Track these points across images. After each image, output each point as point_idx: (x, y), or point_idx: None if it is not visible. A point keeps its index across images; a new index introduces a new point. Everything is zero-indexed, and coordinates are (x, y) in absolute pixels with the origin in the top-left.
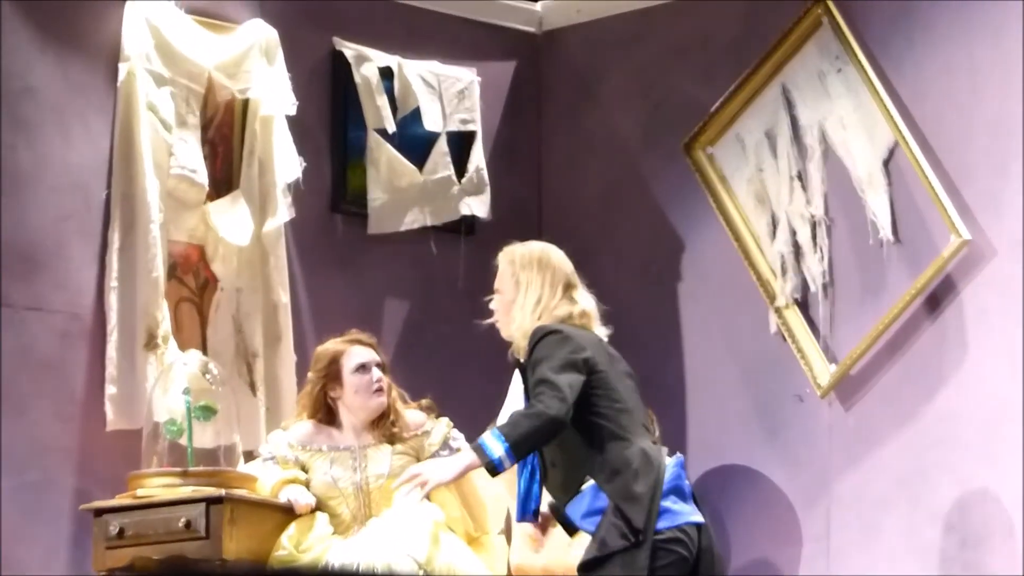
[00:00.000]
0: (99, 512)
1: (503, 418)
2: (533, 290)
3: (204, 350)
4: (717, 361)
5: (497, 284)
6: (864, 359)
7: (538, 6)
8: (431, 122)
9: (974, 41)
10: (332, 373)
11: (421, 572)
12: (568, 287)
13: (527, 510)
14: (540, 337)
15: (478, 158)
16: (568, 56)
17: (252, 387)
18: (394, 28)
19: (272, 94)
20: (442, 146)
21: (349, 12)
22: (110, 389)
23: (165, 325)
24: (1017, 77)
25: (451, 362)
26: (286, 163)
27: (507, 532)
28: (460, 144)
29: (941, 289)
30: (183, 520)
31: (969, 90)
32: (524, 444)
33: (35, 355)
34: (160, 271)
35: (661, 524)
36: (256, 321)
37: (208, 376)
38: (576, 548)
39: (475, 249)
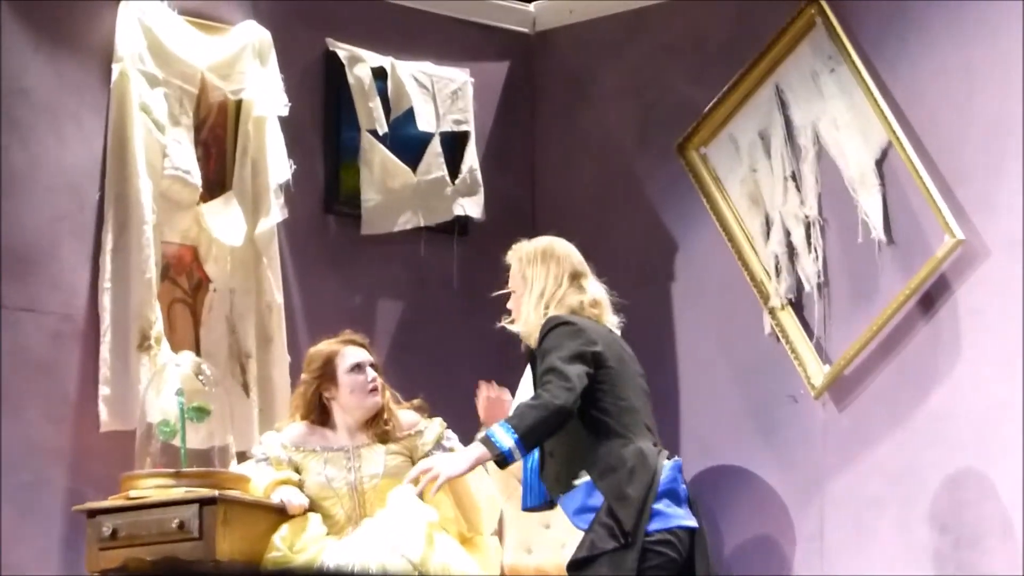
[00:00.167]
0: (92, 513)
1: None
2: (539, 282)
3: (197, 351)
4: (711, 361)
5: (510, 283)
6: (858, 359)
7: (531, 7)
8: (424, 123)
9: (969, 41)
10: (327, 374)
11: (416, 572)
12: (575, 276)
13: (529, 501)
14: (552, 327)
15: (471, 159)
16: (561, 57)
17: (245, 388)
18: (387, 29)
19: (265, 95)
20: (435, 147)
21: (342, 13)
22: (104, 390)
23: (158, 326)
24: (1013, 77)
25: (444, 362)
26: (278, 164)
27: (500, 533)
28: (453, 145)
29: (935, 290)
30: (176, 521)
31: (964, 90)
32: (533, 435)
33: (28, 356)
34: (153, 272)
35: (652, 526)
36: (249, 322)
37: (201, 377)
38: (568, 549)
39: (468, 250)
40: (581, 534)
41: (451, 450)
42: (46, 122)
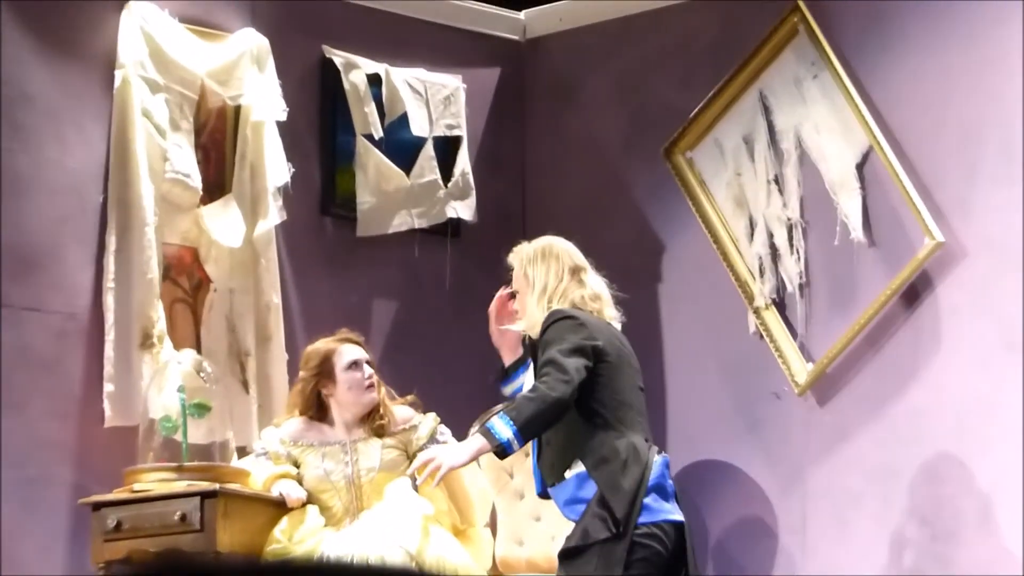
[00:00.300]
0: (97, 506)
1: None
2: (540, 279)
3: (198, 349)
4: (697, 360)
5: (513, 284)
6: (840, 358)
7: (522, 14)
8: (418, 127)
9: (947, 49)
10: (325, 371)
11: (413, 563)
12: (575, 271)
13: (539, 488)
14: (554, 320)
15: (463, 162)
16: (551, 63)
17: (245, 385)
18: (382, 36)
19: (263, 100)
20: (428, 151)
21: (338, 21)
22: (108, 387)
23: (160, 325)
24: (988, 83)
25: (437, 360)
26: (276, 167)
27: (492, 525)
28: (446, 149)
29: (914, 290)
30: (178, 514)
31: (941, 96)
32: (530, 426)
33: (33, 354)
34: (155, 272)
35: (641, 519)
36: (248, 321)
37: (202, 374)
38: (558, 541)
39: (461, 251)
40: (571, 526)
41: (444, 443)
42: (50, 127)
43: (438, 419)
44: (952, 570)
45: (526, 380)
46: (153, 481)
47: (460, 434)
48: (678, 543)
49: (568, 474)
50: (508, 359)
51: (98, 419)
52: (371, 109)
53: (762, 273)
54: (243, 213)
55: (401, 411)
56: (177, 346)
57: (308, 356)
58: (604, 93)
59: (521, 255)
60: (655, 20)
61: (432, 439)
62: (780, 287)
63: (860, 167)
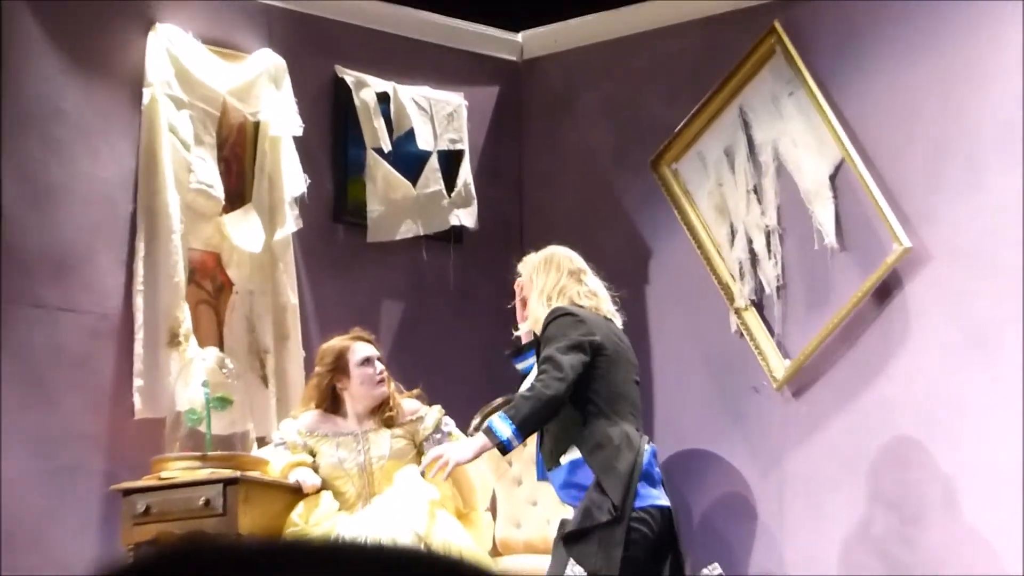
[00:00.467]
0: (127, 492)
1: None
2: (541, 281)
3: (221, 347)
4: (682, 357)
5: (524, 290)
6: (814, 355)
7: (519, 37)
8: (423, 142)
9: (914, 68)
10: (339, 367)
11: (421, 544)
12: (574, 273)
13: (539, 474)
14: (555, 317)
15: (465, 174)
16: (546, 82)
17: (264, 380)
18: (390, 57)
19: (280, 116)
20: (433, 163)
21: (349, 42)
22: (137, 382)
23: (186, 325)
24: (952, 99)
25: (441, 356)
26: (293, 179)
27: (492, 509)
28: (449, 161)
29: (884, 292)
30: (202, 499)
31: (909, 111)
32: (527, 424)
33: (68, 352)
34: (181, 276)
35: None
36: (267, 321)
37: (224, 370)
38: (553, 524)
39: (463, 256)
40: (565, 510)
41: (449, 433)
42: (83, 141)
43: (442, 411)
44: (918, 550)
45: (532, 375)
46: (179, 469)
47: (462, 424)
48: (664, 527)
49: (563, 460)
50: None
51: (128, 412)
52: (380, 124)
53: (742, 276)
54: (262, 221)
55: (408, 403)
56: (201, 344)
57: (323, 353)
58: (596, 109)
59: (527, 264)
60: (643, 41)
61: (437, 429)
62: (759, 289)
63: (833, 178)
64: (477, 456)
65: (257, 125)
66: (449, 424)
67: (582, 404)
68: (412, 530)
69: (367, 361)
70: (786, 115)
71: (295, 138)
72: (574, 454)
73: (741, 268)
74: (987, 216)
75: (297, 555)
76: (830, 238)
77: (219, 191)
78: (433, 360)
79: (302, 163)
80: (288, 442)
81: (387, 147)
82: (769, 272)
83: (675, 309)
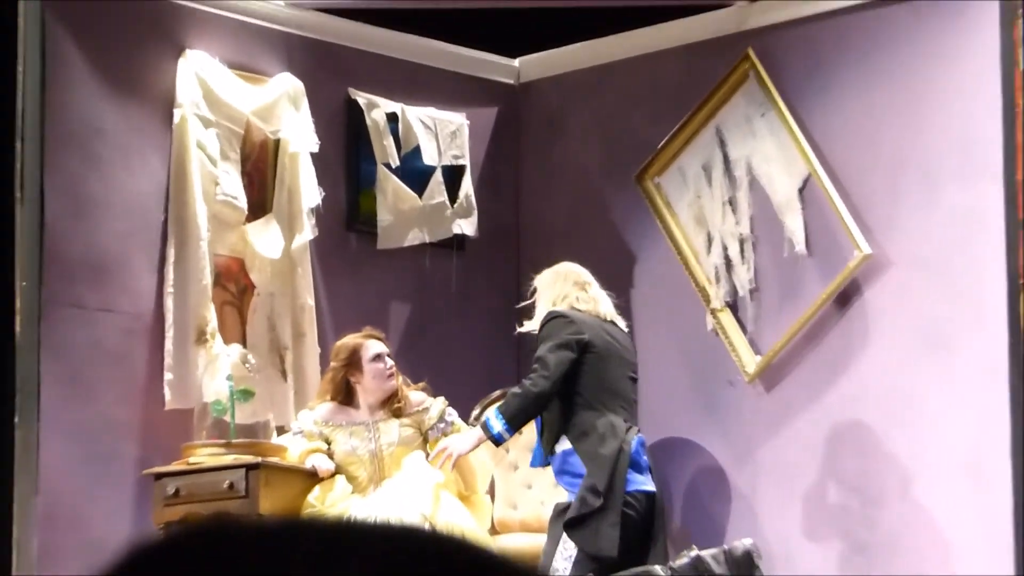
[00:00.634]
0: (158, 476)
1: None
2: (547, 290)
3: (244, 344)
4: (664, 353)
5: (538, 300)
6: (783, 352)
7: (516, 62)
8: (428, 157)
9: (874, 92)
10: (353, 362)
11: (427, 524)
12: (578, 284)
13: (532, 463)
14: (549, 319)
15: (467, 187)
16: (541, 103)
17: (283, 374)
18: (398, 80)
19: (298, 134)
20: (438, 177)
21: (362, 67)
22: (168, 376)
23: (212, 323)
24: (907, 120)
25: (444, 353)
26: (309, 191)
27: (491, 492)
28: (452, 175)
29: (847, 294)
30: (227, 483)
31: (869, 131)
32: (517, 419)
33: (105, 348)
34: (208, 279)
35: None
36: (286, 320)
37: (247, 365)
38: (547, 506)
39: (464, 261)
40: (558, 493)
41: (452, 423)
42: (119, 157)
43: (446, 402)
44: (877, 529)
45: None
46: (205, 455)
47: (463, 414)
48: (649, 509)
49: (558, 449)
50: None
51: (159, 403)
52: (389, 142)
53: (718, 280)
54: (282, 229)
55: (415, 395)
56: (226, 341)
57: (338, 349)
58: (585, 128)
59: (540, 277)
60: (629, 67)
61: (441, 419)
62: (733, 292)
63: (801, 191)
64: (475, 447)
65: (278, 142)
66: (452, 414)
67: (572, 397)
68: (419, 511)
69: (378, 357)
70: (758, 134)
71: (312, 154)
72: (565, 444)
73: (717, 273)
74: (941, 226)
75: (313, 532)
76: (799, 246)
77: (243, 202)
78: (437, 356)
79: (318, 177)
80: (305, 431)
81: (395, 162)
82: (743, 276)
83: (657, 310)
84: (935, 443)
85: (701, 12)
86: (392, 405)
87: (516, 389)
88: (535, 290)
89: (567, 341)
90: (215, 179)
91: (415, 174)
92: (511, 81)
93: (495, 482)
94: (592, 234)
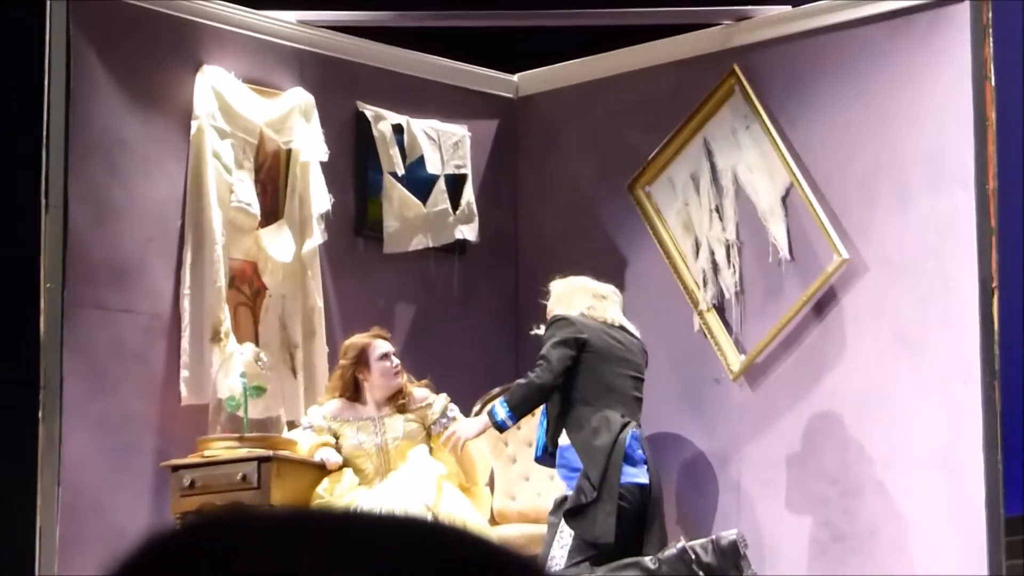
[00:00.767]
0: (175, 468)
1: None
2: (563, 300)
3: (256, 343)
4: (653, 352)
5: (549, 306)
6: (766, 351)
7: (515, 77)
8: (432, 167)
9: (849, 105)
10: (361, 360)
11: (429, 514)
12: (587, 292)
13: (538, 453)
14: (553, 321)
15: (469, 195)
16: (539, 116)
17: (294, 372)
18: (404, 94)
19: (309, 145)
20: (441, 185)
21: (369, 82)
22: (184, 373)
23: (226, 324)
24: (884, 132)
25: (446, 353)
26: (319, 198)
27: (491, 484)
28: (454, 184)
29: (826, 297)
30: (240, 475)
31: (847, 142)
32: (520, 407)
33: (125, 347)
34: (222, 282)
35: None
36: (297, 321)
37: (259, 363)
38: (543, 497)
39: (466, 266)
40: (554, 485)
41: (454, 418)
42: (139, 166)
43: (448, 398)
44: (855, 519)
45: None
46: (220, 448)
47: (465, 410)
48: (642, 501)
49: (560, 443)
50: None
51: (176, 399)
52: (395, 152)
53: (705, 283)
54: (293, 235)
55: (419, 392)
56: (240, 340)
57: (347, 348)
58: (581, 139)
59: (553, 286)
60: (622, 82)
61: (443, 414)
62: (720, 294)
63: (784, 199)
64: (481, 432)
65: (289, 152)
66: (454, 410)
67: (570, 393)
68: (422, 502)
69: (385, 356)
70: (743, 145)
71: (322, 163)
72: (564, 440)
73: (704, 276)
74: (914, 232)
75: (322, 523)
76: (782, 251)
77: (256, 209)
78: (440, 354)
79: (328, 185)
80: (315, 426)
81: (401, 171)
82: (728, 280)
83: (647, 311)
84: (910, 438)
85: (690, 31)
86: (397, 401)
87: (521, 380)
88: (547, 294)
89: (566, 339)
90: (230, 187)
91: (419, 183)
92: (511, 95)
93: (494, 474)
94: (586, 240)
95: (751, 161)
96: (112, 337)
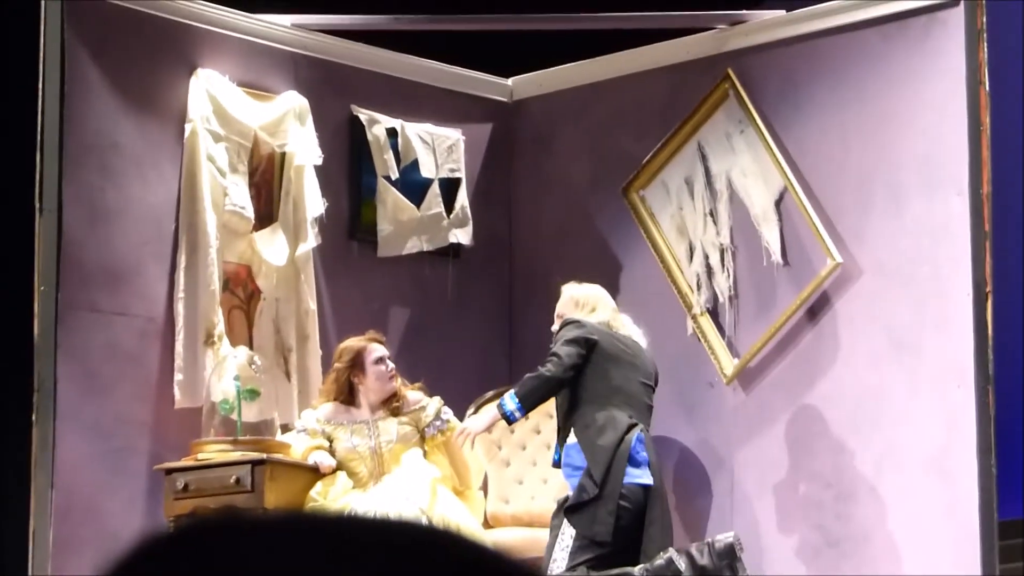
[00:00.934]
0: (169, 471)
1: None
2: (583, 303)
3: (250, 346)
4: (648, 351)
5: (559, 309)
6: (760, 355)
7: (509, 81)
8: (426, 171)
9: (843, 110)
10: (357, 364)
11: (424, 517)
12: (607, 305)
13: (556, 456)
14: (565, 324)
15: (462, 198)
16: (532, 119)
17: (287, 375)
18: (398, 98)
19: (304, 148)
20: (435, 189)
21: (364, 85)
22: (178, 376)
23: (220, 327)
24: (878, 138)
25: (440, 355)
26: (314, 202)
27: (484, 488)
28: (449, 188)
29: (820, 301)
30: (234, 478)
31: (840, 147)
32: (529, 398)
33: (120, 350)
34: (216, 285)
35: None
36: (291, 324)
37: (253, 366)
38: (537, 501)
39: (460, 269)
40: (547, 489)
41: (447, 421)
42: (134, 169)
43: (441, 401)
44: (849, 522)
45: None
46: (214, 451)
47: (458, 412)
48: (644, 502)
49: (568, 441)
50: None
51: (170, 402)
52: (389, 156)
53: (699, 287)
54: (287, 238)
55: (412, 395)
56: (234, 344)
57: (343, 351)
58: (575, 143)
59: (573, 291)
60: (615, 86)
61: (437, 417)
62: (713, 298)
63: (777, 203)
64: (491, 425)
65: (284, 156)
66: (447, 413)
67: (578, 392)
68: (416, 505)
69: (381, 360)
70: (737, 149)
71: (316, 167)
72: (572, 439)
73: (698, 280)
74: (909, 236)
75: (315, 526)
76: (775, 255)
77: (250, 212)
78: (433, 358)
79: (322, 188)
80: (308, 429)
81: (395, 175)
82: (722, 284)
83: (641, 315)
84: (903, 441)
85: (684, 35)
86: (391, 404)
87: (530, 374)
88: (559, 295)
89: (575, 338)
90: (224, 190)
91: (414, 186)
92: (505, 99)
93: (488, 478)
94: (580, 244)
95: (745, 165)
96: (106, 340)
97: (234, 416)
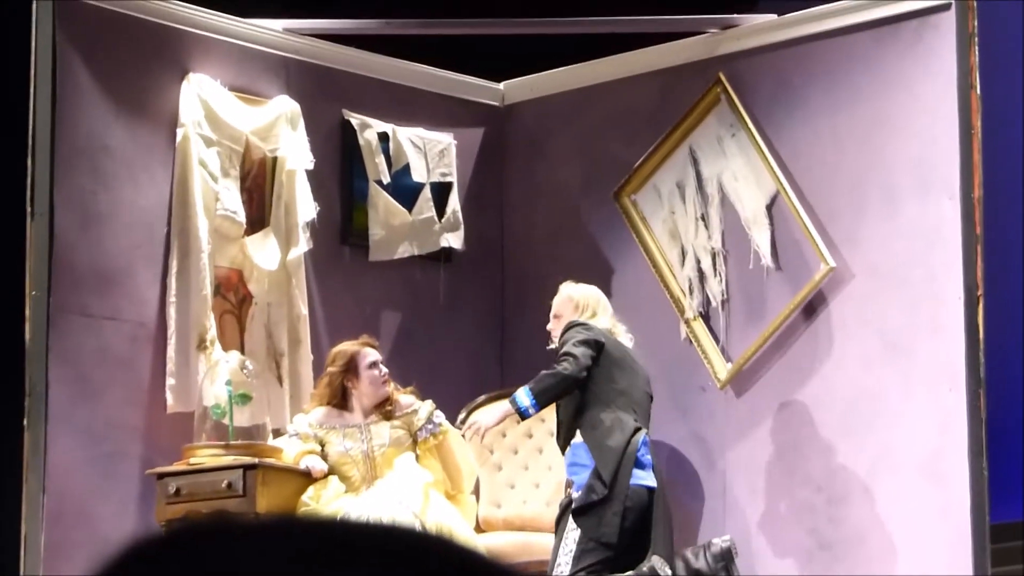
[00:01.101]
0: (160, 476)
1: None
2: (583, 305)
3: (242, 351)
4: (640, 361)
5: (556, 310)
6: (753, 359)
7: (500, 86)
8: (418, 175)
9: (836, 113)
10: (351, 368)
11: (417, 522)
12: (607, 311)
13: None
14: (570, 327)
15: (454, 203)
16: (524, 124)
17: (279, 379)
18: (390, 102)
19: (295, 153)
20: (426, 193)
21: (355, 90)
22: (170, 380)
23: (212, 331)
24: (870, 141)
25: (432, 359)
26: (305, 206)
27: (476, 492)
28: (440, 192)
29: (812, 305)
30: (225, 482)
31: (832, 150)
32: (544, 395)
33: (111, 354)
34: (208, 289)
35: None
36: (282, 328)
37: (245, 371)
38: (529, 505)
39: (452, 273)
40: (539, 493)
41: (439, 424)
42: (125, 172)
43: (433, 404)
44: (841, 526)
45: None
46: (206, 456)
47: (450, 416)
48: (648, 504)
49: (573, 440)
50: None
51: (162, 406)
52: (381, 160)
53: (691, 291)
54: (279, 243)
55: (404, 399)
56: (225, 348)
57: (337, 355)
58: (566, 148)
59: (572, 291)
60: (607, 90)
61: (429, 420)
62: (706, 303)
63: (769, 207)
64: (502, 420)
65: (275, 160)
66: (439, 416)
67: (586, 394)
68: (409, 509)
69: (374, 364)
70: (729, 153)
71: (308, 171)
72: (577, 438)
73: (690, 284)
74: (900, 240)
75: (307, 530)
76: (767, 259)
77: (242, 217)
78: (426, 361)
79: (313, 193)
80: (300, 433)
81: (387, 180)
82: (714, 288)
83: (633, 319)
84: (896, 445)
85: (675, 39)
86: (383, 408)
87: (546, 371)
88: (556, 293)
89: (586, 339)
90: (216, 195)
91: (405, 191)
92: (496, 103)
93: (480, 482)
94: (572, 248)
95: (737, 169)
96: (98, 344)
97: (226, 421)
